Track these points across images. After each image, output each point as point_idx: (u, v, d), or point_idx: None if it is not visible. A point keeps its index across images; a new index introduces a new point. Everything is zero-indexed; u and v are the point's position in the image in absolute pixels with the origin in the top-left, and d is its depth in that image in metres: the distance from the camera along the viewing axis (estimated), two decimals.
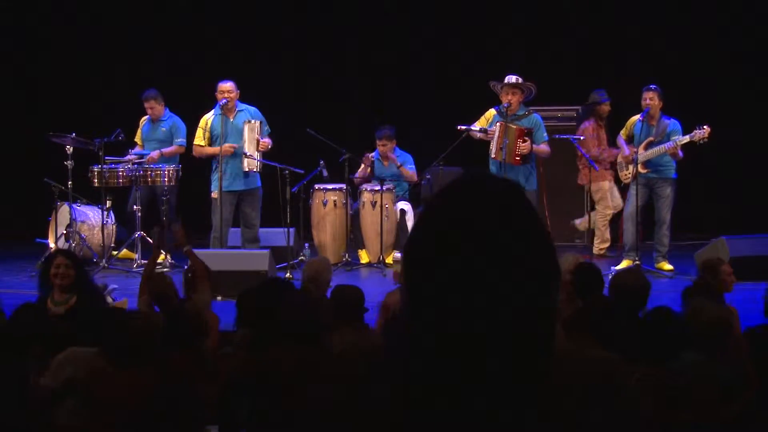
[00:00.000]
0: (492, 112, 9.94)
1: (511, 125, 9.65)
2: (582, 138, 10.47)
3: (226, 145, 9.88)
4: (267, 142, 10.06)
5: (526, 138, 9.60)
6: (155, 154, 10.60)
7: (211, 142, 10.13)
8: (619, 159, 10.31)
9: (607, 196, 10.98)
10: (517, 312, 1.35)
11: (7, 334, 4.90)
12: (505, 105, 9.73)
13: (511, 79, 9.88)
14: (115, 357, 4.44)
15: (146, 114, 10.91)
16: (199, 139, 10.17)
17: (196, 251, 6.77)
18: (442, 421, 1.36)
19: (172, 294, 6.03)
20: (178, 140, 10.80)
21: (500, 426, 1.36)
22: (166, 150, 10.72)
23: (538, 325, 1.37)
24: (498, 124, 9.71)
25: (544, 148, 9.84)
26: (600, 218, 11.02)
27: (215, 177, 10.03)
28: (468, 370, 1.35)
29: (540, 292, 1.37)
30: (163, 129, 10.86)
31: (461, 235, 1.36)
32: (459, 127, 9.94)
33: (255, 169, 10.01)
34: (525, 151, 9.60)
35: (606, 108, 10.93)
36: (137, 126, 10.97)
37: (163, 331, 4.84)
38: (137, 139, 10.93)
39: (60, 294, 6.09)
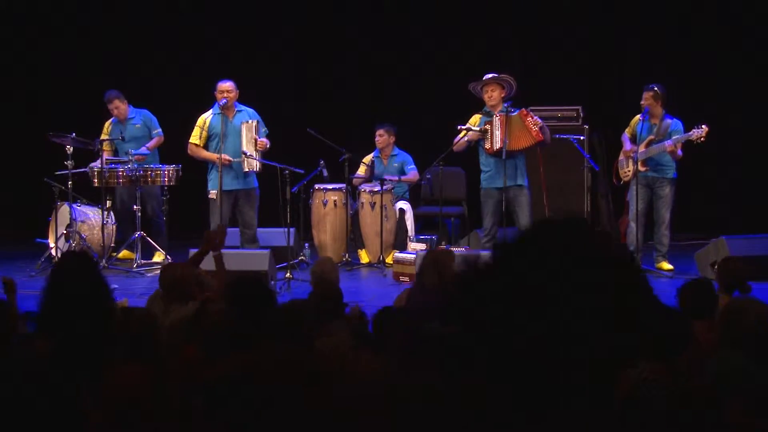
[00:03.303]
0: (477, 116, 10.07)
1: (513, 115, 9.82)
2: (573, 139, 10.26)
3: (225, 156, 9.87)
4: (265, 141, 10.05)
5: (531, 113, 9.91)
6: (142, 152, 10.54)
7: (209, 141, 10.12)
8: (621, 156, 10.31)
9: None
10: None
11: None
12: (486, 109, 9.93)
13: (488, 77, 10.03)
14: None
15: (111, 117, 10.83)
16: (195, 138, 10.14)
17: (194, 251, 6.78)
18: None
19: (192, 283, 5.81)
20: (156, 131, 10.83)
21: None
22: (149, 144, 10.73)
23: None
24: (497, 117, 9.83)
25: None
26: None
27: (212, 176, 10.02)
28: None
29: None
30: (137, 125, 10.84)
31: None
32: (460, 128, 9.98)
33: (255, 169, 10.00)
34: (539, 123, 9.85)
35: None
36: (101, 131, 10.78)
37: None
38: (106, 146, 10.57)
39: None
